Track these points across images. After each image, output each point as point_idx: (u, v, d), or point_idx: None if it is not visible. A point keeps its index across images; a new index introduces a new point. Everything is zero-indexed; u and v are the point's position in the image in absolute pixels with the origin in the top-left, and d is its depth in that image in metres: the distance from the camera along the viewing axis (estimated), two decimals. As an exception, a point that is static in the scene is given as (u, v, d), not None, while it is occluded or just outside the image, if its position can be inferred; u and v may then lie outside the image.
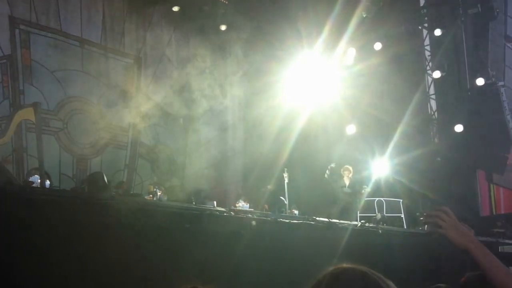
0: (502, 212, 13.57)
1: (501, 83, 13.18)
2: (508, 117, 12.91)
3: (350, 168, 10.38)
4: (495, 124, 12.64)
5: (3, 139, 8.21)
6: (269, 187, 9.85)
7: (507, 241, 10.94)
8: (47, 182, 8.19)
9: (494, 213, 13.50)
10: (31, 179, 8.16)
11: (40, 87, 10.06)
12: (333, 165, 10.44)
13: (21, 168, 9.57)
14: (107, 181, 8.57)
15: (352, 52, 12.13)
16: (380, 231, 8.86)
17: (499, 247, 10.49)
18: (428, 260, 8.77)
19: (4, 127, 9.05)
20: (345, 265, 1.48)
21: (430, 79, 13.35)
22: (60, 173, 10.02)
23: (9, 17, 9.72)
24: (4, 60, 9.68)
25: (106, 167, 10.32)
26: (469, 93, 13.31)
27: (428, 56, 13.36)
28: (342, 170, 10.26)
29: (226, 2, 11.89)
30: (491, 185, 13.52)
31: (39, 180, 7.90)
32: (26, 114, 7.38)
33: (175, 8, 11.33)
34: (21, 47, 9.91)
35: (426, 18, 13.31)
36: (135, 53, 11.59)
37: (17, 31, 9.86)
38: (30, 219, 5.00)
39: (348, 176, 10.29)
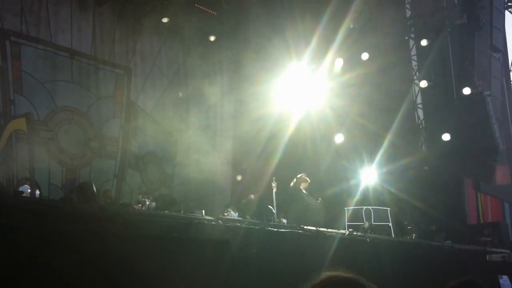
0: (489, 220, 13.67)
1: (487, 93, 13.34)
2: (495, 126, 13.07)
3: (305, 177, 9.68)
4: (482, 133, 12.77)
5: (-5, 149, 8.22)
6: (252, 196, 9.89)
7: (494, 249, 11.00)
8: (37, 192, 8.21)
9: (481, 221, 13.59)
10: (20, 188, 8.18)
11: (30, 98, 10.11)
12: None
13: (10, 177, 9.57)
14: (96, 190, 8.61)
15: (340, 62, 12.31)
16: (368, 239, 8.91)
17: (487, 256, 10.53)
18: (415, 269, 8.83)
19: (-4, 137, 9.10)
20: (335, 273, 1.49)
21: (417, 89, 13.54)
22: (50, 183, 10.03)
23: (0, 29, 9.79)
24: (-5, 72, 9.74)
25: (95, 177, 10.33)
26: (456, 102, 13.48)
27: (415, 66, 13.57)
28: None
29: (215, 14, 12.04)
30: (479, 194, 13.64)
31: (29, 190, 7.93)
32: (18, 124, 7.42)
33: (165, 19, 11.45)
34: (12, 59, 9.97)
35: (412, 29, 13.55)
36: (125, 64, 11.67)
37: (7, 42, 9.92)
38: (20, 229, 5.04)
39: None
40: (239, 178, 9.80)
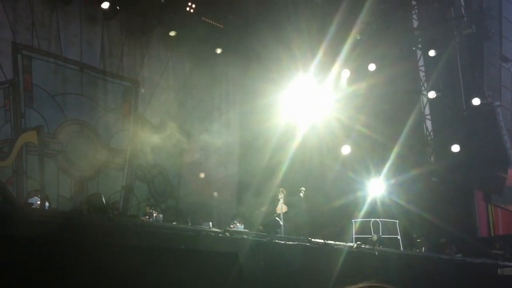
0: (501, 233, 13.41)
1: (497, 103, 13.23)
2: (505, 136, 12.93)
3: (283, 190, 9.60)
4: (492, 144, 12.64)
5: (6, 162, 8.36)
6: (263, 209, 9.87)
7: (506, 263, 10.81)
8: (46, 204, 8.30)
9: (493, 234, 13.34)
10: (30, 200, 8.28)
11: (41, 110, 10.25)
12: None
13: (20, 189, 9.68)
14: (105, 202, 8.67)
15: (347, 73, 12.31)
16: (376, 252, 8.84)
17: (498, 270, 10.35)
18: (425, 283, 8.72)
19: (8, 150, 9.23)
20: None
21: (425, 100, 13.44)
22: (58, 194, 10.11)
23: (12, 43, 9.97)
24: (7, 85, 9.91)
25: (103, 188, 10.40)
26: (465, 113, 13.36)
27: (423, 76, 13.49)
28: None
29: (221, 27, 12.14)
30: (489, 206, 13.43)
31: (38, 202, 8.02)
32: (29, 137, 7.53)
33: (172, 33, 11.57)
34: (23, 72, 10.14)
35: (420, 39, 13.50)
36: (133, 77, 11.80)
37: (19, 56, 10.10)
38: (31, 240, 5.09)
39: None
40: (263, 209, 9.62)
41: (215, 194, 11.66)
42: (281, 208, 9.23)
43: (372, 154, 12.24)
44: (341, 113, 11.76)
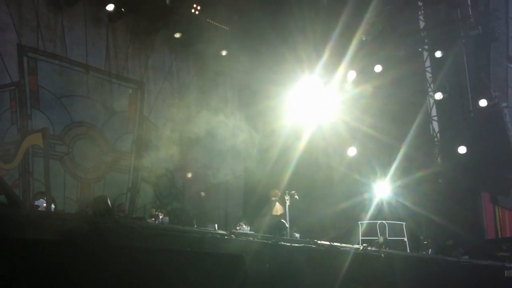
0: (508, 235, 13.37)
1: (504, 104, 13.16)
2: (512, 138, 12.84)
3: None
4: (499, 145, 12.59)
5: (12, 164, 8.37)
6: (268, 211, 9.82)
7: (513, 265, 10.76)
8: (52, 206, 8.30)
9: (500, 236, 13.30)
10: (36, 203, 8.29)
11: (47, 112, 10.29)
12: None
13: (26, 191, 9.71)
14: (111, 204, 8.68)
15: (353, 74, 12.29)
16: (382, 255, 8.81)
17: (505, 272, 10.32)
18: (431, 285, 8.68)
19: (13, 152, 9.26)
20: None
21: (431, 101, 13.42)
22: (65, 196, 10.15)
23: (17, 45, 10.03)
24: (13, 87, 9.96)
25: (109, 190, 10.43)
26: (472, 114, 13.32)
27: (429, 78, 13.46)
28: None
29: (227, 28, 12.14)
30: (497, 207, 13.38)
31: (44, 204, 8.02)
32: (34, 139, 7.54)
33: (177, 35, 11.60)
34: (29, 74, 10.19)
35: (426, 40, 13.47)
36: (138, 78, 11.83)
37: (25, 58, 10.15)
38: (36, 242, 5.10)
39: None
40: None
41: (202, 194, 11.57)
42: (281, 209, 9.19)
43: (378, 156, 12.23)
44: (347, 114, 11.76)
